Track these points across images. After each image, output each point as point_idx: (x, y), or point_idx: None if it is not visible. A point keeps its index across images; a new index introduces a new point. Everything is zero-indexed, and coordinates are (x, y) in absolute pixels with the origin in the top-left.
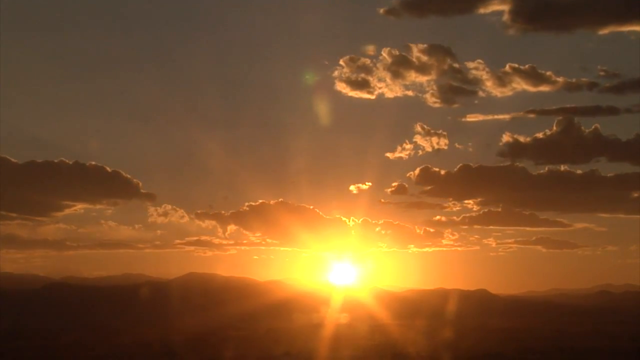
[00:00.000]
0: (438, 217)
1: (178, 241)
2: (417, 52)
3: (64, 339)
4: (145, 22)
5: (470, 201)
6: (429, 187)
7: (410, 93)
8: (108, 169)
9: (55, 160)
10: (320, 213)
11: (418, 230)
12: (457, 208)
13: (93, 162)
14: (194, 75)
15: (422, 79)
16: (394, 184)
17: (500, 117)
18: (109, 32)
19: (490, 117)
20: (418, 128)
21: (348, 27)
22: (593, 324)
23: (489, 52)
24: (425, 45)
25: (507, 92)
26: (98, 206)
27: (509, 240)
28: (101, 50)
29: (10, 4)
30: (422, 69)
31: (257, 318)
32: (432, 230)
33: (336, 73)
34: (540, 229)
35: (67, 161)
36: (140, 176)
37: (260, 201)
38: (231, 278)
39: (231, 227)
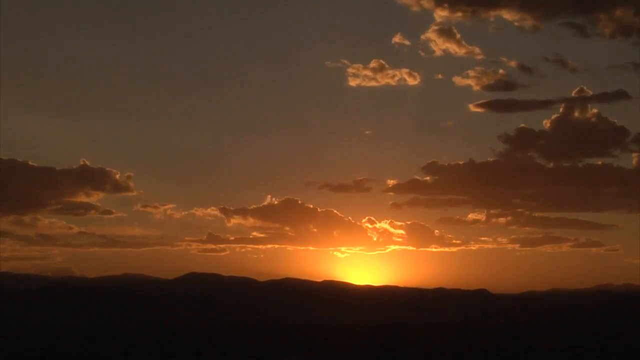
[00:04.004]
0: (444, 216)
1: (186, 238)
2: (431, 39)
3: (64, 339)
4: (145, 21)
5: (474, 199)
6: (436, 184)
7: (427, 83)
8: (109, 168)
9: (55, 160)
10: (323, 210)
11: (423, 229)
12: (461, 206)
13: (92, 162)
14: (195, 73)
15: (435, 69)
16: (398, 182)
17: (517, 107)
18: (108, 32)
19: (509, 106)
20: (430, 122)
21: (365, 19)
22: (593, 323)
23: (513, 43)
24: (436, 31)
25: (534, 80)
26: (97, 205)
27: (510, 240)
28: (100, 50)
29: (10, 4)
30: (438, 57)
31: (258, 317)
32: (435, 229)
33: (347, 64)
34: (544, 229)
35: (67, 161)
36: (140, 175)
37: (265, 200)
38: (232, 278)
39: (233, 226)
